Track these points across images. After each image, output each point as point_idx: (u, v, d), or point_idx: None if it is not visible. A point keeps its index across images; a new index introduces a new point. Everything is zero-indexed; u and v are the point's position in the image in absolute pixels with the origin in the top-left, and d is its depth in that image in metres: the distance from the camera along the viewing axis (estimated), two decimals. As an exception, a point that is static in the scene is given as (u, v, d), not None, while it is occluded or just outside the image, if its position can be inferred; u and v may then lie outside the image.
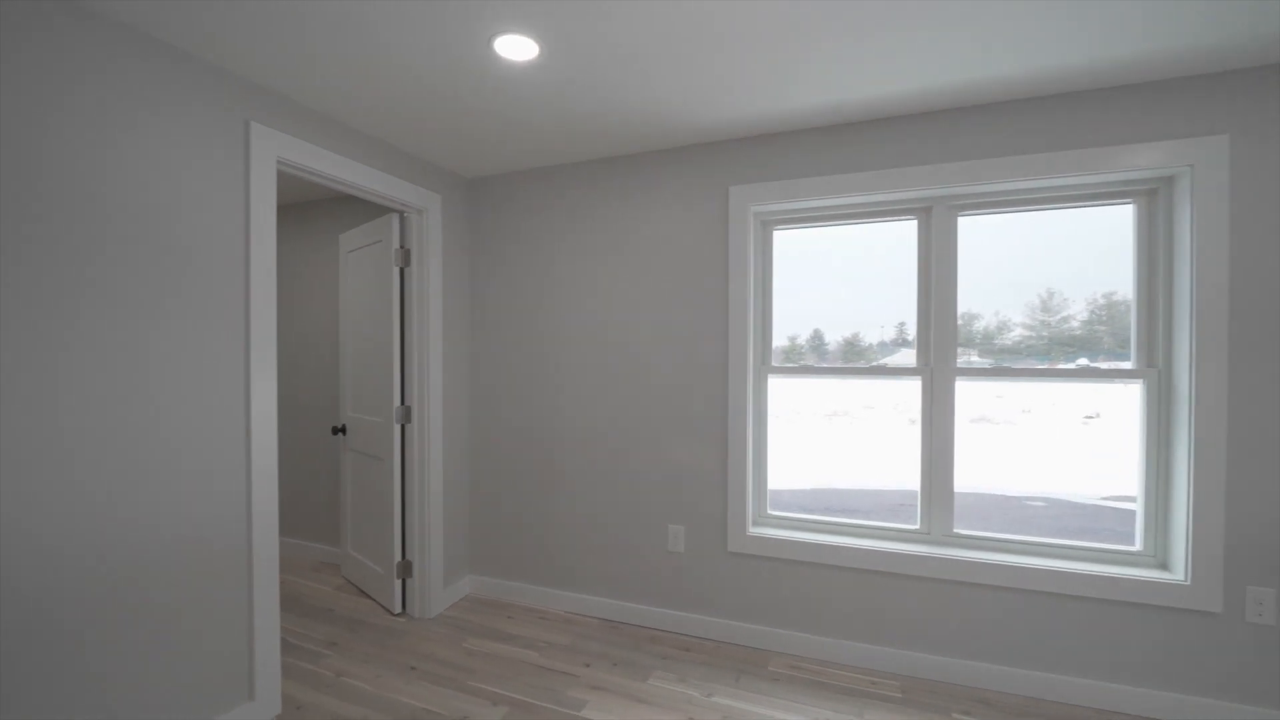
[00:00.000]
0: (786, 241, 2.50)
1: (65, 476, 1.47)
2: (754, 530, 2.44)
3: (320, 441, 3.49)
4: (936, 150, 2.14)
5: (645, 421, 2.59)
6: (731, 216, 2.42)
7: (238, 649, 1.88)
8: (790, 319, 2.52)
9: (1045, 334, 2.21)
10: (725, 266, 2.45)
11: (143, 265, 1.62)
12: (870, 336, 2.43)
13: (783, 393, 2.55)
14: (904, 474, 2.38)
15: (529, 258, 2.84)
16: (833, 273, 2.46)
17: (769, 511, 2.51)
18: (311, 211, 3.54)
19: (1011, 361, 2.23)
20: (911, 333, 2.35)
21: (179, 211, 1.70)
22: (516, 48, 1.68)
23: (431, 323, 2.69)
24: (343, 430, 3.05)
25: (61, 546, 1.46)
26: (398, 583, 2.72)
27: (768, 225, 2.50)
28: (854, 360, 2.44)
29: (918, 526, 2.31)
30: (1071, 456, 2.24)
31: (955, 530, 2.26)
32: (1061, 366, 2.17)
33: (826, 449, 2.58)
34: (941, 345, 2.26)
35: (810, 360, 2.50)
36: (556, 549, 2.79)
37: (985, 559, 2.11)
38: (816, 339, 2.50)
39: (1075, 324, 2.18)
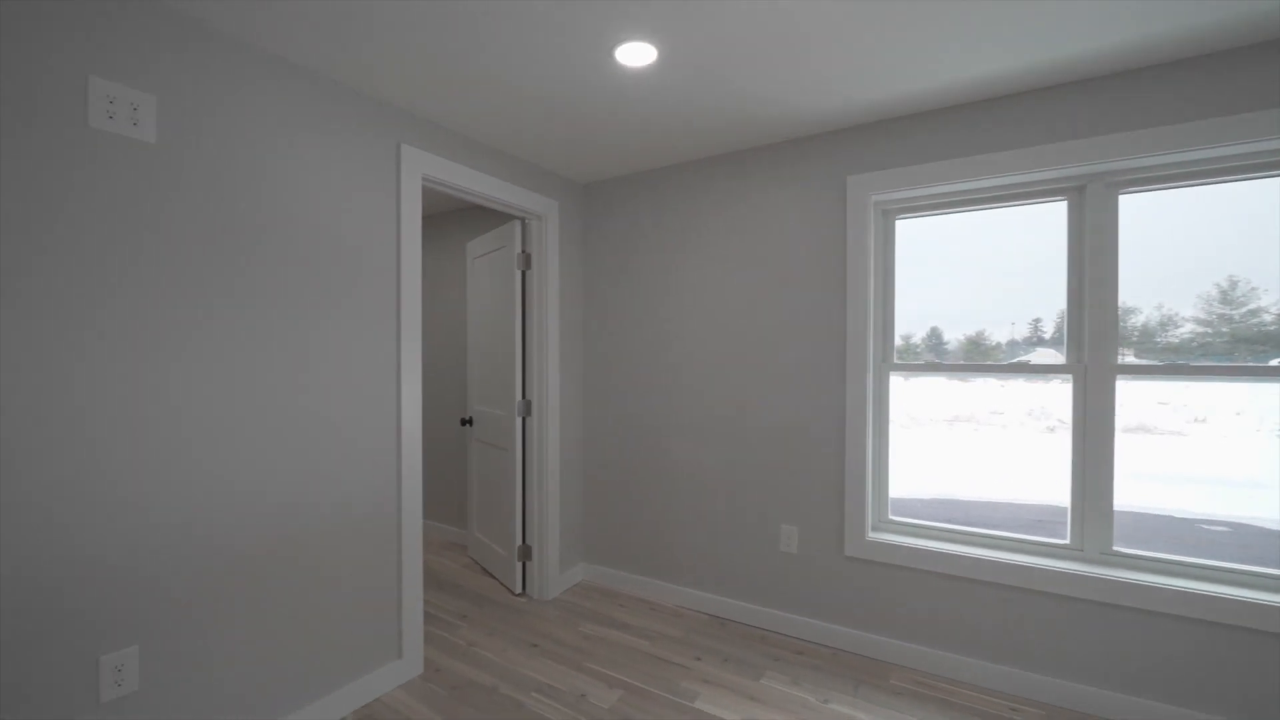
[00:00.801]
0: (902, 232, 2.36)
1: (262, 451, 1.74)
2: (874, 535, 2.33)
3: (450, 431, 3.83)
4: (1093, 121, 1.92)
5: (758, 419, 2.57)
6: (850, 207, 2.33)
7: (388, 613, 2.11)
8: (903, 317, 2.37)
9: (1225, 330, 1.89)
10: (843, 259, 2.36)
11: (315, 272, 1.88)
12: (997, 335, 2.23)
13: (901, 396, 2.41)
14: (1042, 485, 2.15)
15: (640, 257, 2.92)
16: (952, 266, 2.27)
17: (890, 517, 2.38)
18: (441, 222, 3.88)
19: (1182, 362, 1.94)
20: (1048, 330, 2.12)
21: (343, 227, 1.95)
22: (636, 54, 1.74)
23: (550, 322, 2.85)
24: (469, 422, 3.32)
25: (249, 511, 1.74)
26: (518, 565, 2.92)
27: (889, 215, 2.37)
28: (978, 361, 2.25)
29: (1068, 542, 2.08)
30: (1267, 475, 1.90)
31: (1115, 549, 2.00)
32: (1253, 365, 1.85)
33: (948, 456, 2.40)
34: (1098, 340, 2.02)
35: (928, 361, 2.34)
36: (666, 543, 2.84)
37: (1157, 583, 1.86)
38: (934, 338, 2.33)
39: (1268, 317, 1.85)
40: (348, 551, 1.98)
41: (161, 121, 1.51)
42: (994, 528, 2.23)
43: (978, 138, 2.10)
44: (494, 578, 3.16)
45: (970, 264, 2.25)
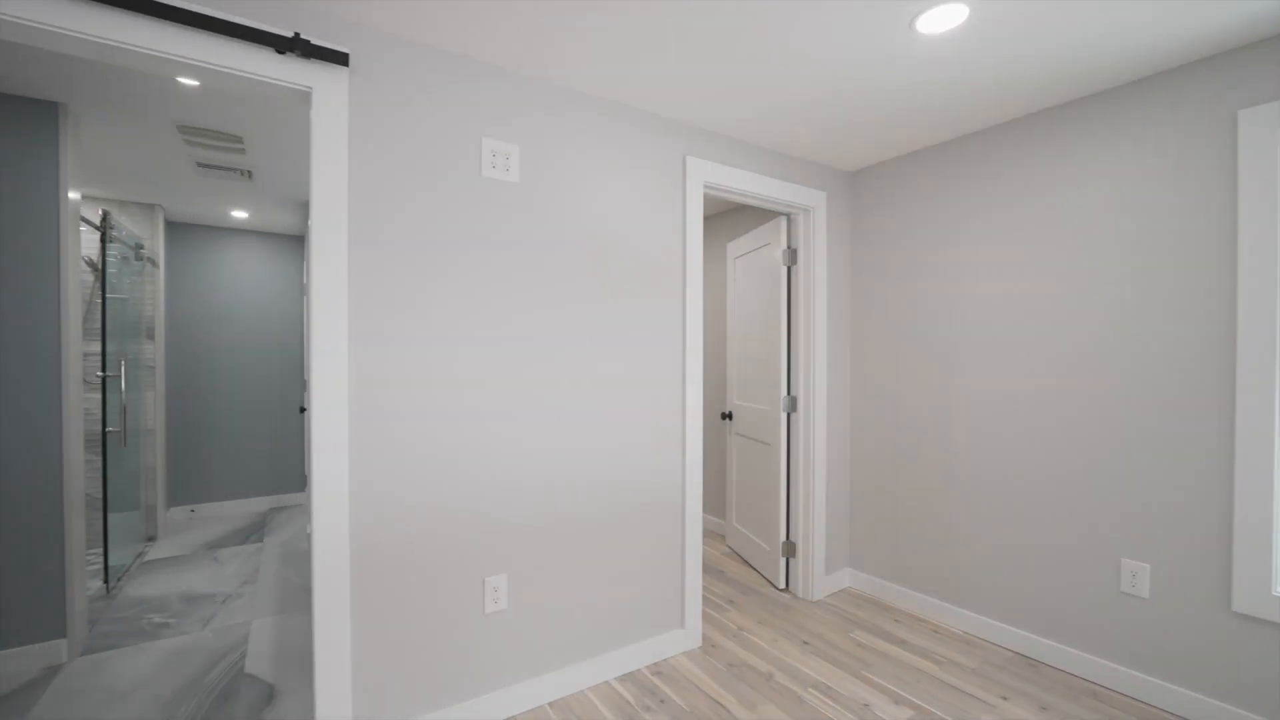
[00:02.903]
0: None
1: (585, 431, 2.08)
2: (1284, 591, 1.72)
3: (710, 425, 4.04)
4: None
5: (1077, 424, 2.12)
6: (1243, 149, 1.76)
7: (673, 584, 2.32)
8: None
9: None
10: (1233, 215, 1.80)
11: (618, 278, 2.17)
12: None
13: (1344, 398, 1.72)
14: None
15: (913, 246, 2.67)
16: None
17: (1314, 569, 1.73)
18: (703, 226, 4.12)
19: None
20: None
21: (639, 237, 2.21)
22: (943, 18, 1.60)
23: (816, 316, 2.80)
24: (729, 416, 3.45)
25: (580, 481, 2.08)
26: (782, 561, 2.93)
27: (1313, 155, 1.73)
28: None
29: None
30: None
31: None
32: None
33: None
34: None
35: None
36: (951, 560, 2.54)
37: None
38: None
39: None
40: (644, 523, 2.23)
41: (523, 165, 1.92)
42: None
43: None
44: (754, 569, 3.23)
45: None
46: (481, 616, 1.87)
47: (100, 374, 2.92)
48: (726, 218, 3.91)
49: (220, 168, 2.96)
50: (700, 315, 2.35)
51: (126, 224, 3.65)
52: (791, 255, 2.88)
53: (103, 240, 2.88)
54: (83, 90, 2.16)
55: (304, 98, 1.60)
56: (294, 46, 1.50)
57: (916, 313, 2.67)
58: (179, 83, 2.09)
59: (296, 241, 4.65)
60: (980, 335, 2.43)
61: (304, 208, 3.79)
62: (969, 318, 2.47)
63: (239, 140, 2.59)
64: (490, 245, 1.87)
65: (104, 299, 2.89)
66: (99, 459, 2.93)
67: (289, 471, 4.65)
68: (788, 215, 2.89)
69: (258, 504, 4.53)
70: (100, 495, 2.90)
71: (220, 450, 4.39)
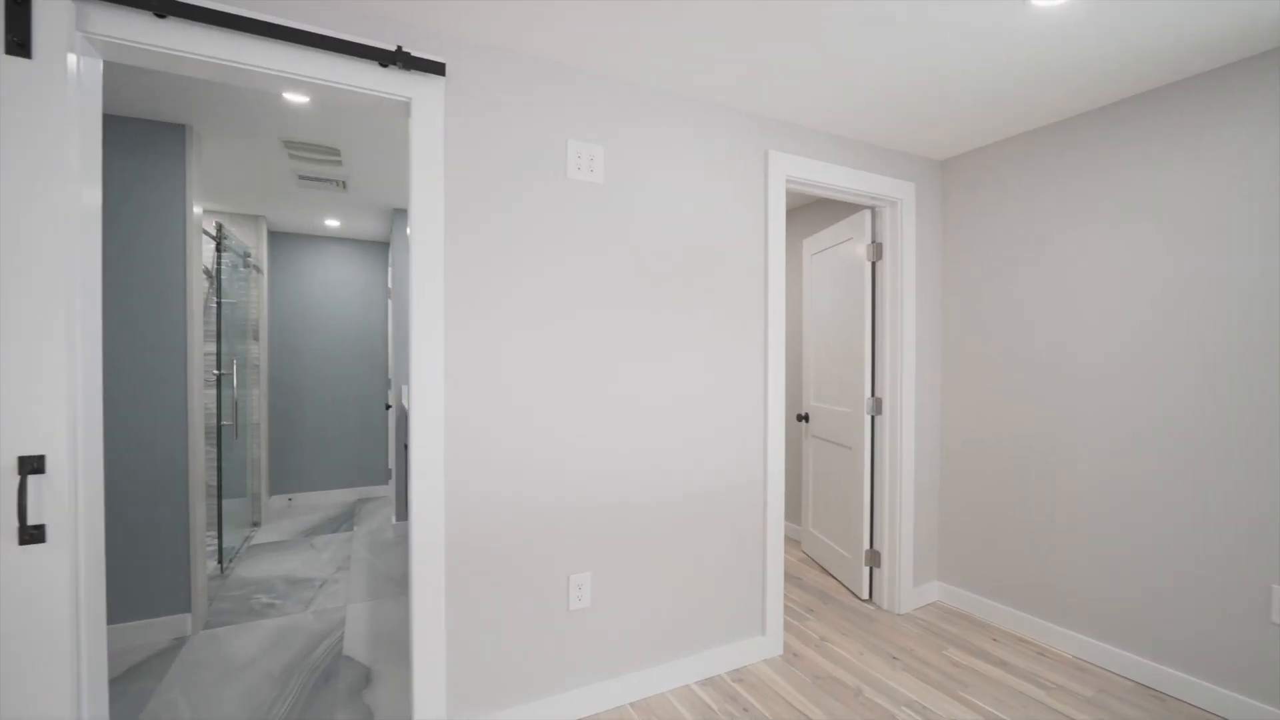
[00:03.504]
0: None
1: (666, 432, 2.06)
2: None
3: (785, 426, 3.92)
4: None
5: (1218, 434, 1.90)
6: None
7: (754, 589, 2.26)
8: None
9: None
10: None
11: (700, 275, 2.13)
12: None
13: None
14: None
15: (1013, 239, 2.48)
16: None
17: None
18: (774, 224, 4.01)
19: None
20: None
21: (720, 234, 2.17)
22: (1064, -14, 1.46)
23: (905, 314, 2.65)
24: (805, 418, 3.34)
25: (663, 484, 2.06)
26: (865, 570, 2.80)
27: None
28: None
29: None
30: None
31: None
32: None
33: None
34: None
35: None
36: (1059, 578, 2.34)
37: None
38: None
39: None
40: (724, 527, 2.19)
41: (607, 166, 1.92)
42: None
43: None
44: (833, 577, 3.11)
45: None
46: (566, 614, 1.89)
47: (216, 372, 3.19)
48: (801, 213, 3.79)
49: (318, 179, 3.16)
50: (783, 315, 2.28)
51: (236, 234, 3.97)
52: (877, 250, 2.75)
53: (218, 249, 3.14)
54: (203, 112, 2.35)
55: (403, 108, 1.66)
56: (396, 59, 1.56)
57: (1018, 310, 2.48)
58: (286, 100, 2.24)
59: (380, 247, 4.90)
60: (1096, 336, 2.22)
61: (389, 215, 3.99)
62: (1084, 317, 2.26)
63: (336, 152, 2.75)
64: (575, 247, 1.88)
65: (219, 303, 3.15)
66: (215, 450, 3.21)
67: (374, 465, 4.91)
68: (872, 208, 2.76)
69: (346, 495, 4.81)
70: (216, 483, 3.17)
71: (313, 444, 4.69)
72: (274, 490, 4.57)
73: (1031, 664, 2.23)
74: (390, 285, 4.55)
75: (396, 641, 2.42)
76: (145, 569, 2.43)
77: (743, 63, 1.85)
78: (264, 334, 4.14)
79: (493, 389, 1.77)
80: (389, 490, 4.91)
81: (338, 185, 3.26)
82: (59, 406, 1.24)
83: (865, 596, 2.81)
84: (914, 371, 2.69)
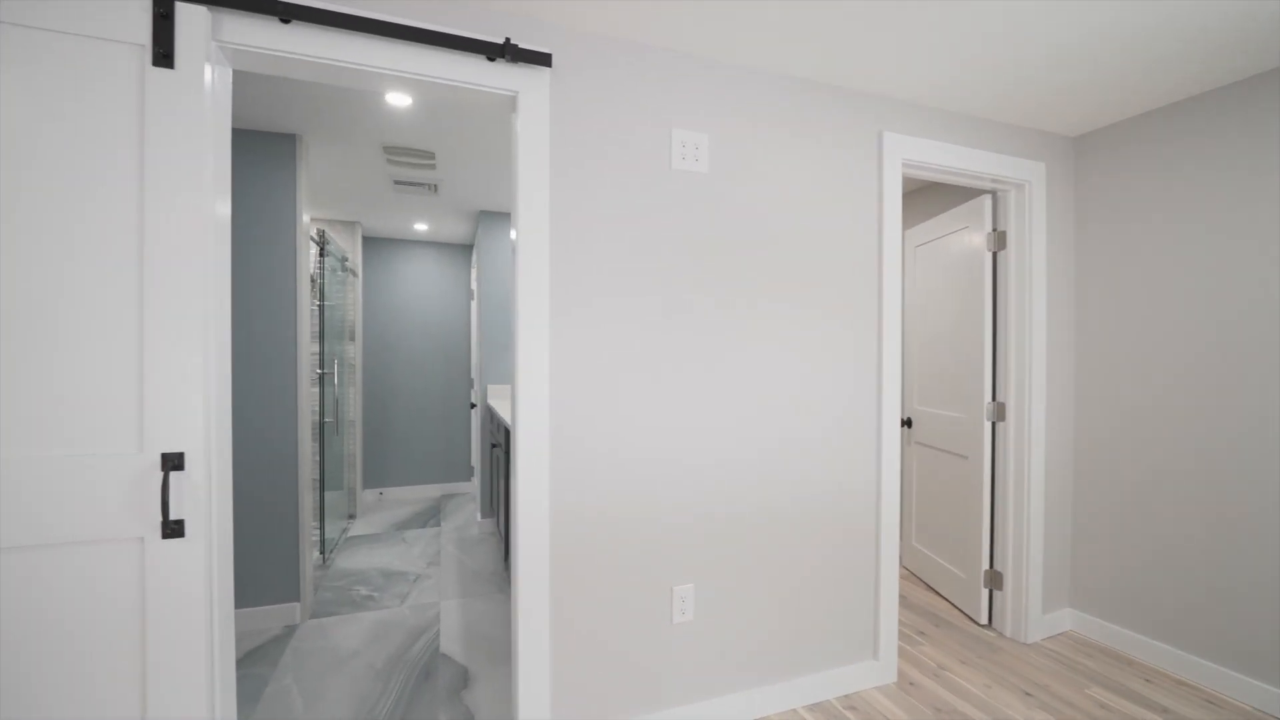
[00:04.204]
0: None
1: (771, 437, 1.93)
2: None
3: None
4: None
5: None
6: None
7: (865, 609, 2.08)
8: None
9: None
10: None
11: (811, 270, 1.98)
12: None
13: None
14: None
15: (1167, 224, 2.15)
16: None
17: None
18: (868, 215, 3.76)
19: None
20: None
21: (830, 223, 2.00)
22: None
23: (1033, 310, 2.38)
24: (908, 423, 3.09)
25: (765, 491, 1.93)
26: (984, 592, 2.54)
27: None
28: None
29: None
30: None
31: None
32: None
33: None
34: None
35: None
36: (1239, 618, 2.01)
37: None
38: None
39: None
40: (834, 542, 2.03)
41: (712, 154, 1.82)
42: None
43: None
44: (942, 596, 2.85)
45: None
46: (669, 626, 1.79)
47: (319, 371, 3.34)
48: (904, 201, 3.52)
49: (412, 183, 3.24)
50: (899, 310, 2.09)
51: (335, 239, 4.17)
52: (998, 239, 2.48)
53: (320, 254, 3.29)
54: (310, 121, 2.44)
55: (509, 103, 1.62)
56: (504, 52, 1.52)
57: (1178, 306, 2.15)
58: (388, 104, 2.28)
59: (464, 250, 5.03)
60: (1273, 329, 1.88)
61: (475, 217, 4.06)
62: (1256, 307, 1.93)
63: (431, 156, 2.80)
64: (679, 240, 1.78)
65: (320, 306, 3.29)
66: (318, 445, 3.36)
67: (458, 462, 5.04)
68: (993, 193, 2.50)
69: (431, 490, 4.97)
70: (318, 478, 3.32)
71: (402, 440, 4.87)
72: (366, 484, 4.78)
73: (1198, 712, 1.92)
74: (473, 286, 4.65)
75: (491, 641, 2.42)
76: (260, 558, 2.55)
77: (856, 37, 1.69)
78: (359, 334, 4.32)
79: (594, 395, 1.70)
80: (471, 487, 5.02)
81: (429, 189, 3.34)
82: (196, 406, 1.27)
83: (984, 621, 2.55)
84: (1045, 374, 2.41)
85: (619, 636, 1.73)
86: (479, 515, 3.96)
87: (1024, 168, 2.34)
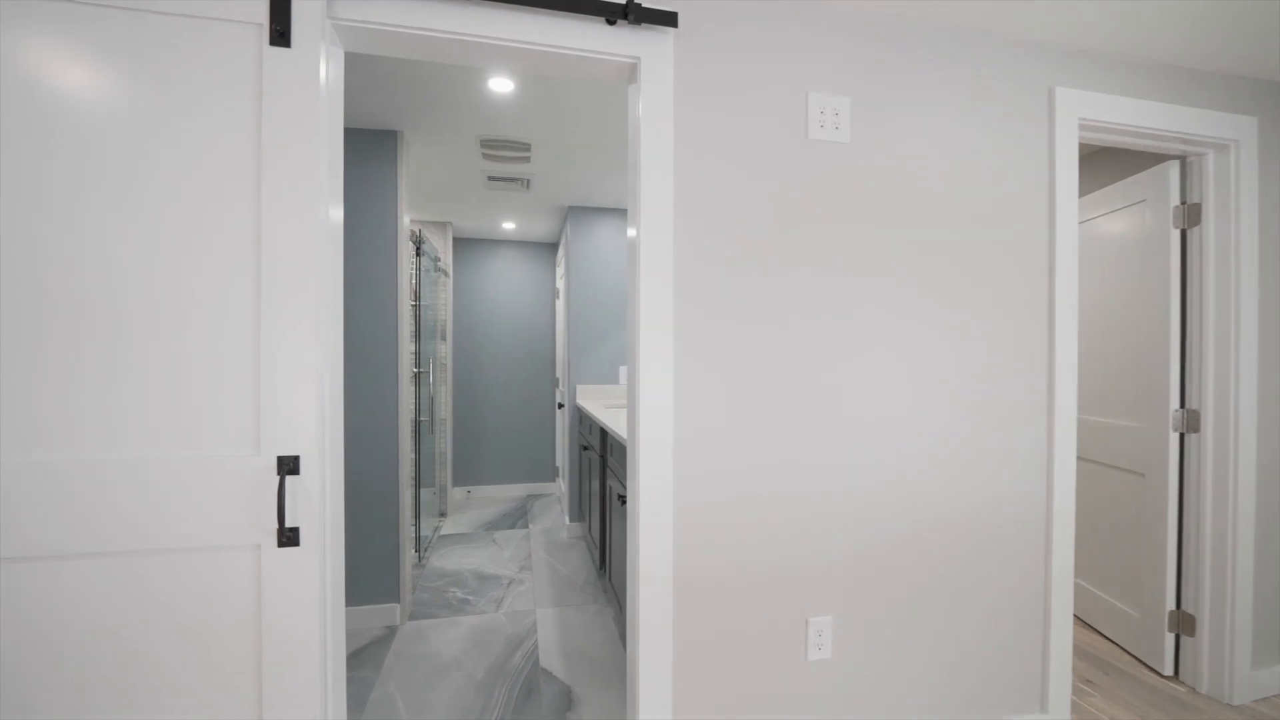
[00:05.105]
0: None
1: (912, 448, 1.66)
2: None
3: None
4: None
5: None
6: None
7: (1031, 654, 1.76)
8: None
9: None
10: None
11: (968, 254, 1.68)
12: None
13: None
14: None
15: None
16: None
17: None
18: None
19: None
20: None
21: (989, 195, 1.70)
22: None
23: (1242, 298, 1.95)
24: (1053, 432, 2.67)
25: (908, 512, 1.66)
26: (1168, 637, 2.12)
27: None
28: None
29: None
30: None
31: None
32: None
33: None
34: None
35: None
36: None
37: None
38: None
39: None
40: (992, 574, 1.72)
41: (854, 121, 1.57)
42: None
43: None
44: (1108, 639, 2.43)
45: None
46: (804, 663, 1.57)
47: (415, 370, 3.36)
48: (1037, 180, 3.08)
49: (506, 179, 3.19)
50: (1074, 297, 1.75)
51: (429, 239, 4.23)
52: (1190, 214, 2.06)
53: (417, 255, 3.30)
54: (410, 117, 2.41)
55: (629, 70, 1.46)
56: (625, 13, 1.36)
57: None
58: (488, 92, 2.19)
59: (549, 249, 4.99)
60: None
61: (563, 214, 3.98)
62: None
63: (527, 148, 2.71)
64: (818, 222, 1.56)
65: (416, 305, 3.31)
66: (415, 444, 3.38)
67: (543, 461, 5.01)
68: (1182, 158, 2.08)
69: (517, 490, 4.96)
70: (414, 476, 3.34)
71: (489, 439, 4.90)
72: (456, 483, 4.84)
73: None
74: (559, 285, 4.60)
75: (590, 659, 2.28)
76: (363, 557, 2.55)
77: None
78: (450, 334, 4.37)
79: (721, 406, 1.50)
80: (556, 488, 4.98)
81: (522, 184, 3.27)
82: (311, 409, 1.19)
83: (1168, 673, 2.13)
84: (1255, 377, 1.97)
85: (749, 671, 1.53)
86: (566, 519, 3.88)
87: (1230, 124, 1.92)
